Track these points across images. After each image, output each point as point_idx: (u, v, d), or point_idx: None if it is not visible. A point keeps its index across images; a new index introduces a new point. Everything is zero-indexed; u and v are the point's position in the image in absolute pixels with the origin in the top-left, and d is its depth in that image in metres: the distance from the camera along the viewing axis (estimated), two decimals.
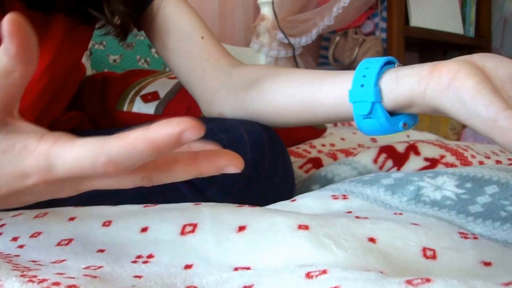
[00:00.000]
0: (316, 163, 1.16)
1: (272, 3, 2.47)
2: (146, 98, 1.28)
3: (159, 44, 1.07)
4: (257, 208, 0.66)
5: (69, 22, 1.02)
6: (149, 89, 1.31)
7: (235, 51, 2.44)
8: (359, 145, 1.50)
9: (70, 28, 1.02)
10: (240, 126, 0.87)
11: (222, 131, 0.86)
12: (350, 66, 2.81)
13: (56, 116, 1.16)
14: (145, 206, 0.71)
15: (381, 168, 0.98)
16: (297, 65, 2.60)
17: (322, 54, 3.03)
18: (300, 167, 1.15)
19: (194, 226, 0.63)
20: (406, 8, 2.90)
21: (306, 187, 0.99)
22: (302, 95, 0.84)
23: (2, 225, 0.72)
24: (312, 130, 1.61)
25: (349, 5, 2.51)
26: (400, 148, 0.99)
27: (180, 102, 1.23)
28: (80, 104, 1.34)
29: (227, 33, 2.55)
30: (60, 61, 1.03)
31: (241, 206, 0.68)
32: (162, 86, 1.31)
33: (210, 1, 2.50)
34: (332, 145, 1.51)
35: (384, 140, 1.54)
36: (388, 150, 0.99)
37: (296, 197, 0.82)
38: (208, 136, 0.83)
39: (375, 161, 0.99)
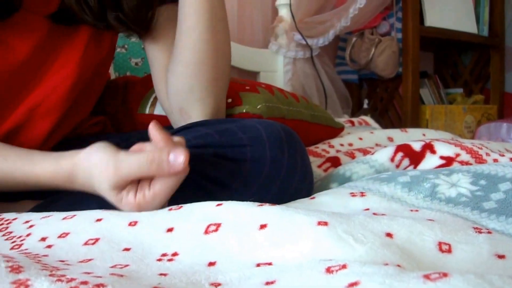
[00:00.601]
0: (335, 162, 1.17)
1: (290, 5, 2.48)
2: None
3: (145, 46, 1.13)
4: (277, 207, 0.68)
5: (93, 29, 1.05)
6: None
7: (254, 53, 2.46)
8: (377, 145, 1.52)
9: (95, 31, 1.06)
10: (259, 125, 0.89)
11: (241, 130, 0.88)
12: (366, 66, 2.82)
13: (82, 119, 1.20)
14: (169, 209, 0.73)
15: (398, 166, 0.99)
16: (314, 66, 2.61)
17: (339, 55, 3.03)
18: (319, 166, 1.17)
19: (218, 225, 0.65)
20: (421, 8, 2.89)
21: (325, 185, 1.01)
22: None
23: (31, 226, 0.74)
24: (330, 130, 1.63)
25: (365, 6, 2.51)
26: (417, 146, 1.00)
27: None
28: (103, 108, 1.36)
29: (246, 35, 2.56)
30: (86, 62, 1.06)
31: (261, 205, 0.69)
32: None
33: (228, 4, 2.51)
34: (350, 144, 1.53)
35: (401, 140, 1.55)
36: (404, 149, 1.01)
37: (315, 195, 0.84)
38: (228, 135, 0.86)
39: (392, 159, 1.00)
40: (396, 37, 2.83)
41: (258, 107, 1.27)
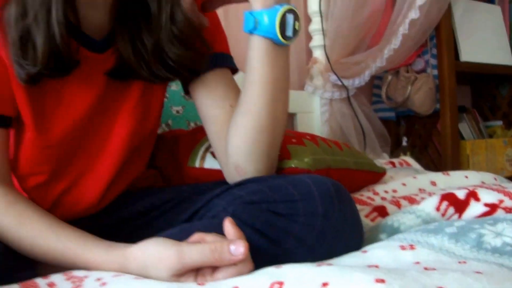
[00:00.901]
0: (381, 211, 1.21)
1: (324, 46, 2.51)
2: None
3: (198, 105, 1.17)
4: (335, 266, 0.72)
5: (145, 83, 1.10)
6: None
7: (290, 94, 2.48)
8: (420, 190, 1.55)
9: (147, 85, 1.11)
10: (308, 179, 0.93)
11: (292, 185, 0.92)
12: (403, 104, 2.82)
13: (140, 172, 1.25)
14: None
15: (443, 215, 1.02)
16: (351, 106, 2.62)
17: (375, 93, 3.03)
18: (367, 216, 1.20)
19: (281, 284, 0.69)
20: (455, 43, 2.91)
21: (374, 236, 1.04)
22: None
23: (104, 283, 0.79)
24: (373, 175, 1.66)
25: (400, 46, 2.54)
26: (461, 195, 1.03)
27: None
28: (154, 163, 1.41)
29: None
30: (139, 118, 1.12)
31: (320, 265, 0.74)
32: None
33: None
34: (394, 191, 1.56)
35: (443, 184, 1.59)
36: (449, 198, 1.04)
37: (366, 248, 0.88)
38: (279, 191, 0.90)
39: (438, 208, 1.03)
40: (432, 73, 2.84)
41: (305, 160, 1.31)
